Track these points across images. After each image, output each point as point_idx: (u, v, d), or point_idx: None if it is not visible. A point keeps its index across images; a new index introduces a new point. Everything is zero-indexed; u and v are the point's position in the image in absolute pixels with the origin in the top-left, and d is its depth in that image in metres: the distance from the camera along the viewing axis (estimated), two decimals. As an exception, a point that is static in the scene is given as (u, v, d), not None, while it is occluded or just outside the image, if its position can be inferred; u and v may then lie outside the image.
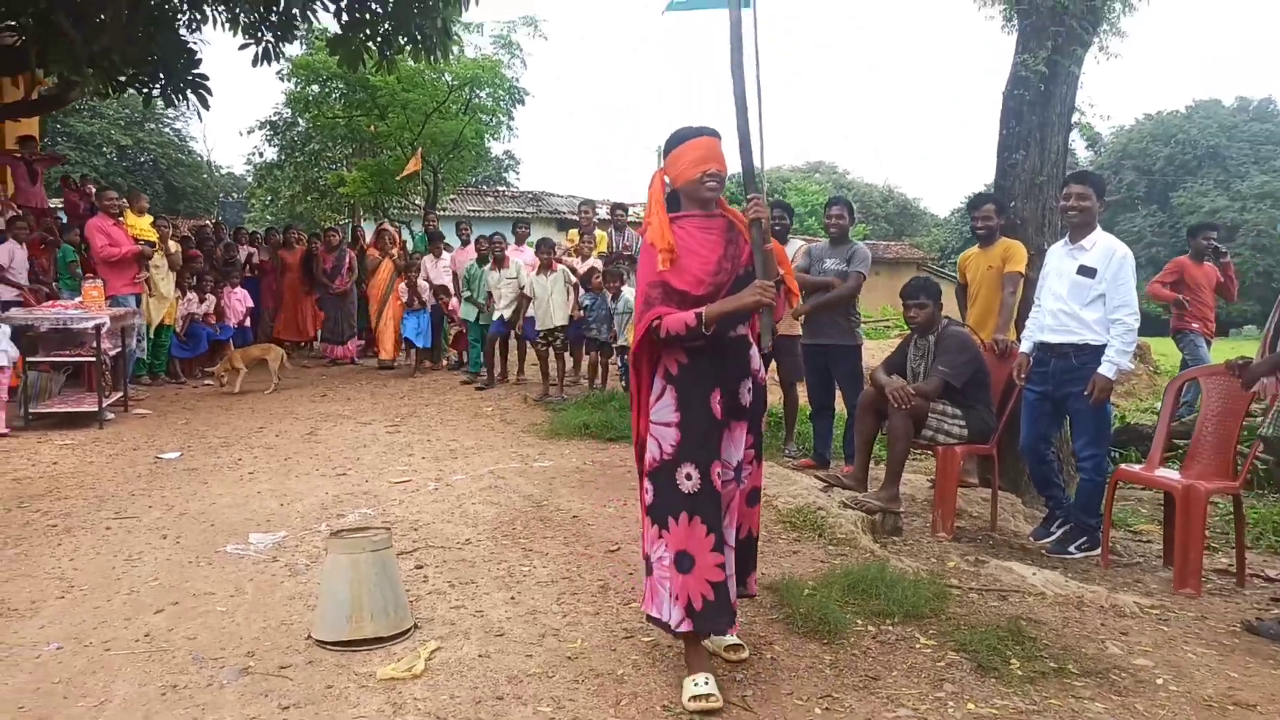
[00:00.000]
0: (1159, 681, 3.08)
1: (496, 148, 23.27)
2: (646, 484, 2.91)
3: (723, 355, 2.90)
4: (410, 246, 12.53)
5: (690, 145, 2.90)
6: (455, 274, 10.47)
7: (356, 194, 18.41)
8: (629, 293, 8.31)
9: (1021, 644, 3.26)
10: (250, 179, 26.19)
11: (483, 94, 17.35)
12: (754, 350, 3.03)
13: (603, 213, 11.83)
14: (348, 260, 11.58)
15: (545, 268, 8.90)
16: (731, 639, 3.10)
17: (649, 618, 2.96)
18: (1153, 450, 4.58)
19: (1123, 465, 5.04)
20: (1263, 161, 44.41)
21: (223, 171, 38.85)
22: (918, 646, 3.27)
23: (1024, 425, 4.85)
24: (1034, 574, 4.07)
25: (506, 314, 9.22)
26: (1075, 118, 5.75)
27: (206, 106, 11.34)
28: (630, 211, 11.85)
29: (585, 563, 4.19)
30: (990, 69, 10.30)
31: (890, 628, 3.44)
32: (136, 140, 29.91)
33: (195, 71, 11.09)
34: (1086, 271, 4.51)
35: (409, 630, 3.37)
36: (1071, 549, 4.64)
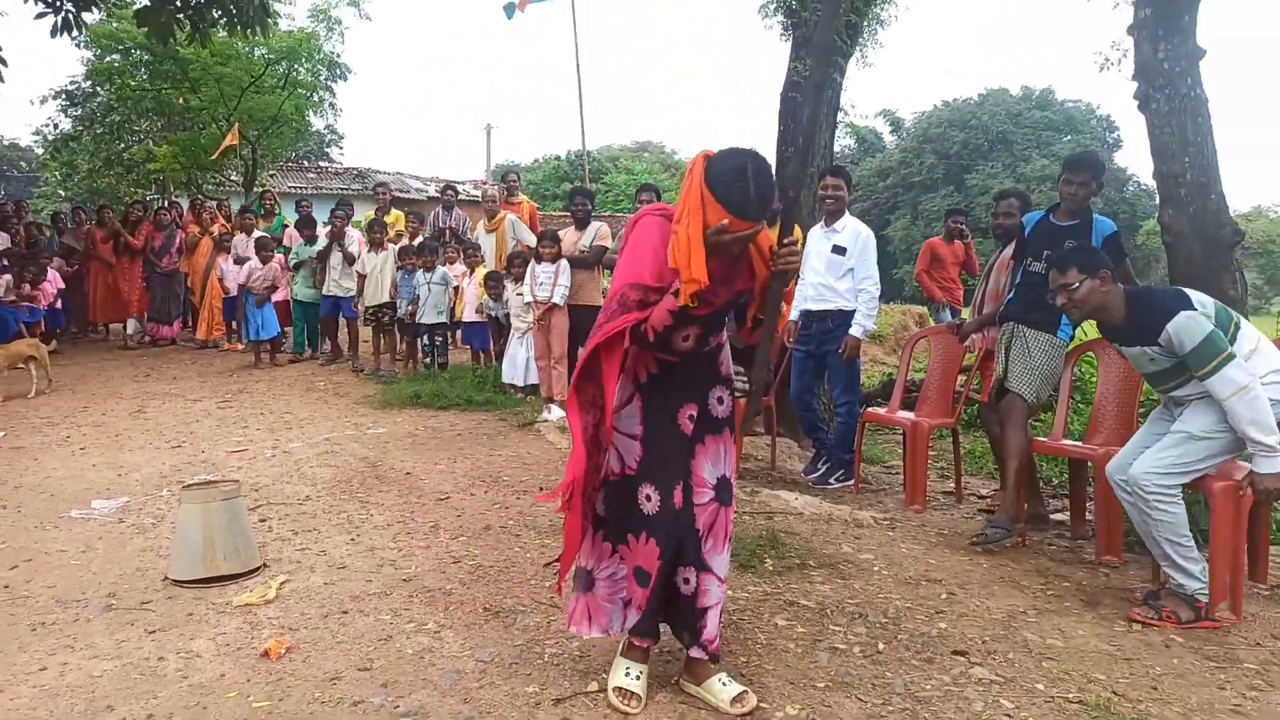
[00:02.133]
0: (875, 568, 3.97)
1: (318, 122, 22.79)
2: (601, 494, 2.68)
3: (696, 365, 2.64)
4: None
5: (737, 224, 2.30)
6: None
7: (168, 169, 17.73)
8: (445, 270, 8.74)
9: (776, 548, 4.08)
10: (41, 151, 24.41)
11: (301, 68, 17.11)
12: (726, 353, 2.76)
13: (431, 190, 12.15)
14: (178, 240, 11.40)
15: (376, 245, 9.21)
16: (735, 687, 2.68)
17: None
18: (893, 396, 5.57)
19: (869, 408, 6.03)
20: (1043, 146, 48.47)
21: (6, 143, 35.83)
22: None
23: (793, 380, 5.74)
24: (796, 499, 4.95)
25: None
26: (840, 116, 6.71)
27: (0, 79, 10.81)
28: (462, 190, 12.22)
29: (418, 510, 4.73)
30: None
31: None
32: (-96, 107, 27.15)
33: (-12, 41, 10.55)
34: (838, 250, 5.41)
35: (258, 569, 3.82)
36: (831, 480, 5.57)
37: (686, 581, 2.70)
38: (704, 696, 2.70)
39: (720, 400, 2.71)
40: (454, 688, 2.80)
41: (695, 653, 2.71)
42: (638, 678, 2.70)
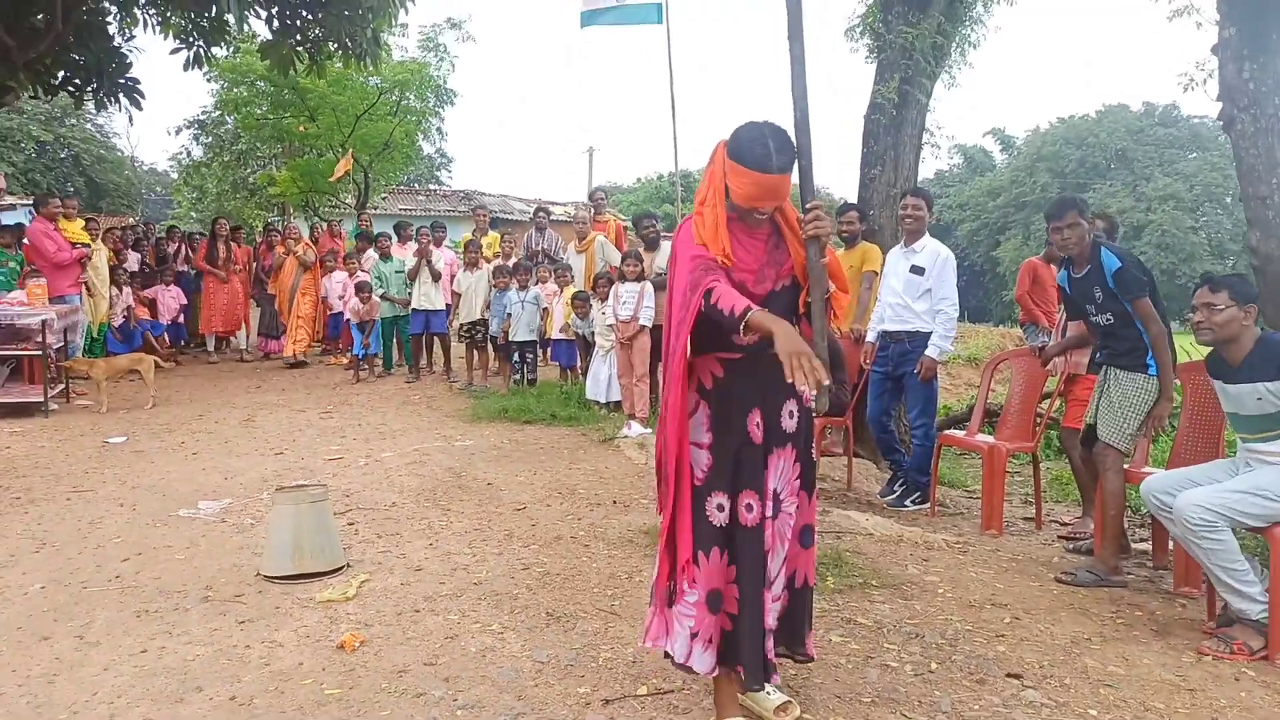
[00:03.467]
0: (939, 590, 3.95)
1: (427, 147, 23.75)
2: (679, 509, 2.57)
3: (764, 371, 2.43)
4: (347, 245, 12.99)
5: (756, 178, 2.41)
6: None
7: (287, 193, 18.77)
8: (537, 290, 9.01)
9: (840, 567, 4.10)
10: (175, 175, 26.18)
11: (411, 96, 17.89)
12: None
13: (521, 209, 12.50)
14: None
15: (472, 265, 9.57)
16: (779, 696, 2.72)
17: (669, 658, 2.62)
18: (972, 419, 5.50)
19: (946, 431, 5.96)
20: (1166, 164, 46.48)
21: (145, 168, 38.37)
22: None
23: (870, 401, 5.72)
24: (867, 519, 4.94)
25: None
26: (925, 139, 6.68)
27: (139, 108, 11.66)
28: (559, 212, 12.59)
29: (495, 518, 4.92)
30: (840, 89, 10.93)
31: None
32: (56, 136, 29.49)
33: (127, 75, 11.47)
34: (917, 270, 5.39)
35: (342, 568, 4.06)
36: (907, 503, 5.53)
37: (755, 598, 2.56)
38: (749, 705, 2.73)
39: (791, 414, 2.60)
40: (510, 685, 2.94)
41: (774, 679, 2.67)
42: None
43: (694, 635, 2.54)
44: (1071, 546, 4.72)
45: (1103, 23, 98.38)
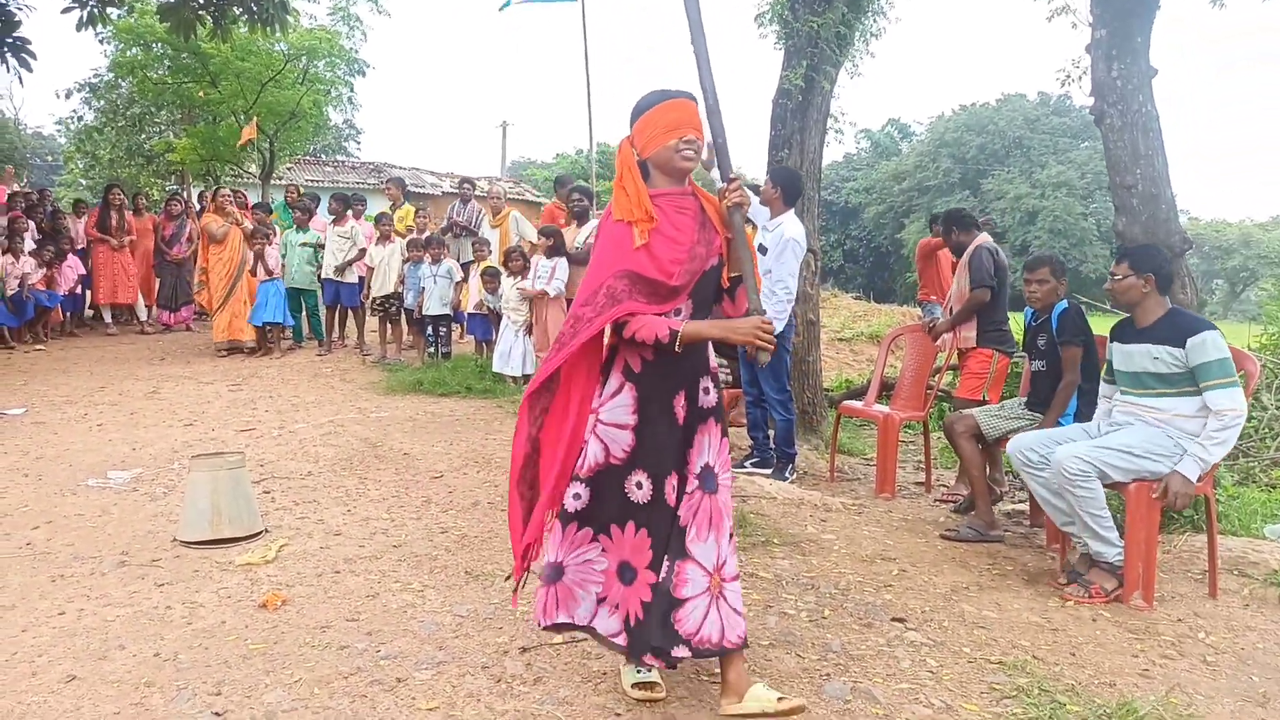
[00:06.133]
0: (835, 547, 4.24)
1: (336, 117, 23.19)
2: (579, 487, 2.59)
3: (691, 352, 2.57)
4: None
5: (664, 108, 2.52)
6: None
7: (186, 161, 18.13)
8: (451, 263, 9.04)
9: (744, 527, 4.34)
10: (64, 141, 24.95)
11: (320, 64, 17.46)
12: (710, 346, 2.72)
13: (446, 185, 12.42)
14: (188, 229, 11.73)
15: (383, 239, 9.52)
16: (646, 674, 2.70)
17: (556, 626, 2.68)
18: (869, 391, 5.84)
19: (846, 402, 6.28)
20: (1060, 153, 48.29)
21: (29, 132, 36.39)
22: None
23: (741, 371, 5.99)
24: (771, 484, 5.22)
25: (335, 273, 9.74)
26: (830, 124, 6.96)
27: (29, 69, 11.18)
28: (478, 186, 12.53)
29: (413, 486, 5.03)
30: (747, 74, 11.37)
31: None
32: (-69, 97, 27.77)
33: (16, 34, 10.94)
34: (761, 250, 5.59)
35: (260, 533, 4.12)
36: (786, 474, 5.73)
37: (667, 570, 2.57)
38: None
39: (707, 391, 2.66)
40: (431, 637, 3.09)
41: (679, 651, 2.50)
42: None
43: (614, 607, 2.60)
44: (953, 507, 5.09)
45: (1000, 16, 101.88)
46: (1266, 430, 6.36)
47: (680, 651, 2.51)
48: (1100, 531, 3.67)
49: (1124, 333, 3.86)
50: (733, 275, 2.64)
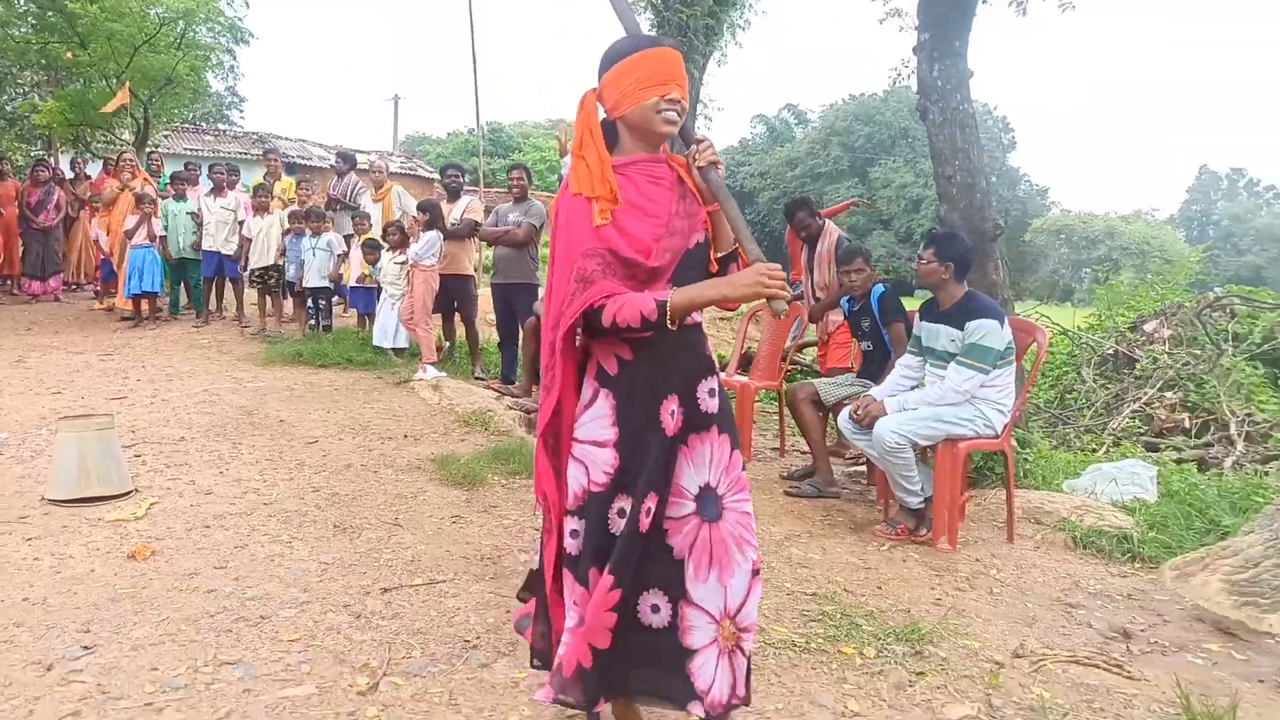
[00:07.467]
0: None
1: (217, 84, 22.46)
2: (574, 523, 2.12)
3: (676, 348, 2.13)
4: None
5: (643, 57, 2.07)
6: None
7: (52, 125, 17.31)
8: (331, 237, 9.06)
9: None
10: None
11: (199, 29, 16.92)
12: (707, 339, 2.27)
13: (334, 159, 12.28)
14: (56, 197, 11.32)
15: (261, 210, 9.45)
16: None
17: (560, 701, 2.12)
18: (730, 363, 6.26)
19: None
20: (941, 144, 50.33)
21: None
22: (529, 487, 4.60)
23: None
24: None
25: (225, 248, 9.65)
26: (699, 110, 7.36)
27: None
28: (358, 160, 12.42)
29: (287, 450, 5.17)
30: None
31: (517, 480, 4.76)
32: None
33: None
34: None
35: (130, 492, 4.23)
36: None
37: (655, 609, 2.11)
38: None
39: (711, 393, 2.17)
40: (297, 581, 3.31)
41: (694, 709, 2.09)
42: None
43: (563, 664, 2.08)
44: (798, 471, 5.54)
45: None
46: (1084, 401, 7.07)
47: (696, 710, 2.09)
48: (907, 486, 4.21)
49: (929, 312, 4.34)
50: (720, 255, 2.20)
